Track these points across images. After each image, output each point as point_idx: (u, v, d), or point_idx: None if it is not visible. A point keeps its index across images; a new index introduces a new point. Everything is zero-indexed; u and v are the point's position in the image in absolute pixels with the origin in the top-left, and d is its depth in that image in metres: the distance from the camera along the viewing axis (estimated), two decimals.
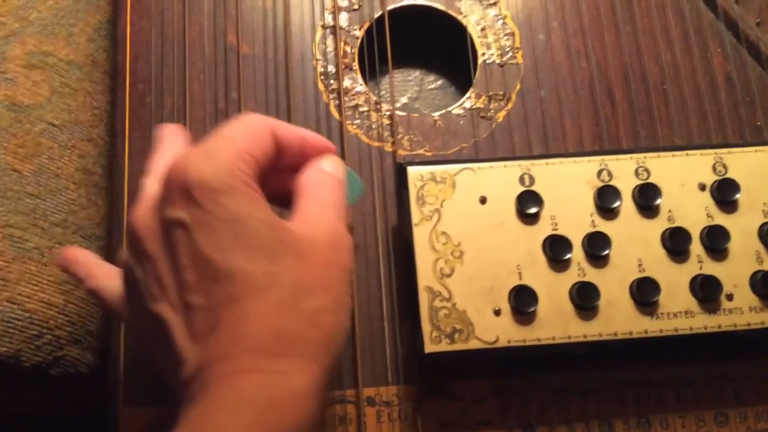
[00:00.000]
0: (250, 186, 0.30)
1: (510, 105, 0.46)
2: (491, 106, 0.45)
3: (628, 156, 0.41)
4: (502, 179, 0.40)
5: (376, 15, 0.47)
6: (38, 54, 0.49)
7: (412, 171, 0.40)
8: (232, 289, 0.27)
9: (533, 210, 0.39)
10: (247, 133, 0.31)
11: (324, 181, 0.33)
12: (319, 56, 0.46)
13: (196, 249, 0.28)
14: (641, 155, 0.41)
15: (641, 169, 0.41)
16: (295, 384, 0.27)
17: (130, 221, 0.31)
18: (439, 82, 0.51)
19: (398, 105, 0.50)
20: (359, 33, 0.47)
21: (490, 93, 0.46)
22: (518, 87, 0.46)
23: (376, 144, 0.44)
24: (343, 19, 0.47)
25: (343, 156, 0.44)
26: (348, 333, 0.33)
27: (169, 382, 0.30)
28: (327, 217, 0.31)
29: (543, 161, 0.41)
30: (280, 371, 0.27)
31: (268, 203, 0.30)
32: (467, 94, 0.46)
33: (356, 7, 0.47)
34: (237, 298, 0.27)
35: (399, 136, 0.45)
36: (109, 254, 0.45)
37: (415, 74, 0.51)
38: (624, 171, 0.41)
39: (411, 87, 0.50)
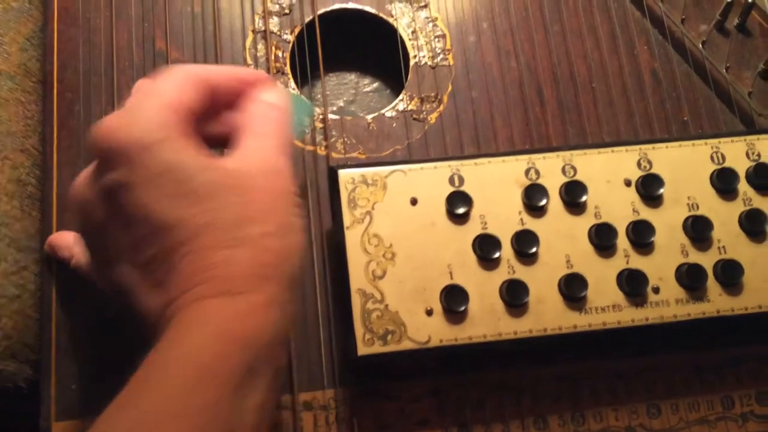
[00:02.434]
0: (181, 134, 0.30)
1: (442, 107, 0.46)
2: (424, 107, 0.46)
3: (555, 154, 0.42)
4: (432, 180, 0.40)
5: (307, 19, 0.47)
6: None
7: (343, 174, 0.40)
8: (178, 233, 0.29)
9: (462, 210, 0.40)
10: (172, 84, 0.32)
11: (264, 112, 0.34)
12: (250, 61, 0.46)
13: (138, 204, 0.29)
14: (568, 153, 0.42)
15: (568, 166, 0.41)
16: (253, 299, 0.29)
17: (69, 198, 0.32)
18: (375, 85, 0.51)
19: (334, 108, 0.50)
20: (290, 37, 0.47)
21: (423, 95, 0.46)
22: (450, 88, 0.46)
23: (310, 148, 0.44)
24: (274, 23, 0.47)
25: None
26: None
27: (148, 336, 0.30)
28: (264, 149, 0.32)
29: (472, 161, 0.41)
30: (237, 292, 0.28)
31: (203, 147, 0.31)
32: (400, 97, 0.46)
33: (287, 11, 0.47)
34: (183, 241, 0.29)
35: (332, 140, 0.45)
36: (45, 266, 0.44)
37: (351, 77, 0.51)
38: (551, 169, 0.41)
39: (347, 90, 0.51)
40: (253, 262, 0.29)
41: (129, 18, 0.45)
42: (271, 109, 0.34)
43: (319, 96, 0.48)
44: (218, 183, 0.30)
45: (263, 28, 0.46)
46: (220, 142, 0.34)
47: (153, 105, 0.30)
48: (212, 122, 0.34)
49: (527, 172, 0.41)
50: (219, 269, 0.29)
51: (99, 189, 0.30)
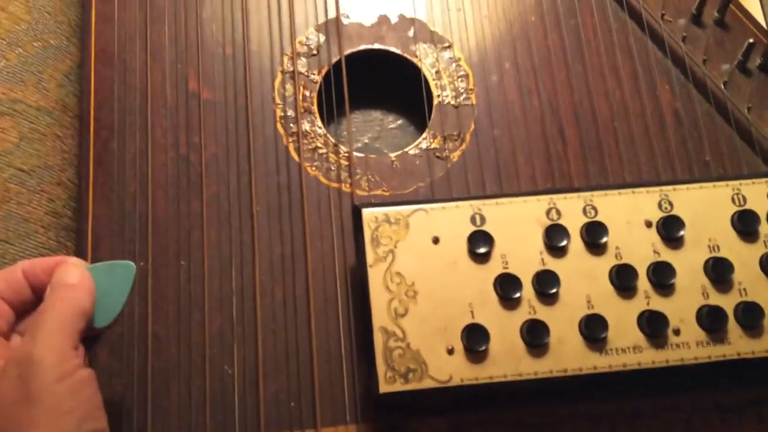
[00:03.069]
0: None
1: (464, 145, 0.47)
2: (446, 146, 0.47)
3: (576, 195, 0.42)
4: (454, 219, 0.41)
5: (334, 60, 0.48)
6: (7, 101, 0.50)
7: (367, 213, 0.41)
8: None
9: (484, 249, 0.40)
10: None
11: (51, 299, 0.34)
12: (279, 101, 0.47)
13: None
14: (588, 194, 0.42)
15: (589, 207, 0.42)
16: None
17: None
18: (399, 122, 0.52)
19: (359, 145, 0.51)
20: (318, 78, 0.48)
21: (446, 133, 0.47)
22: (472, 127, 0.47)
23: (335, 185, 0.46)
24: (302, 64, 0.48)
25: (301, 197, 0.45)
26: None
27: None
28: (29, 338, 0.32)
29: (493, 201, 0.42)
30: None
31: None
32: (423, 135, 0.47)
33: (315, 52, 0.48)
34: None
35: (357, 177, 0.46)
36: None
37: (376, 115, 0.52)
38: (572, 209, 0.42)
39: (372, 127, 0.52)
40: None
41: (163, 60, 0.47)
42: (59, 291, 0.34)
43: (344, 133, 0.49)
44: None
45: (291, 69, 0.48)
46: None
47: None
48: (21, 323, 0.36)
49: (548, 212, 0.42)
50: None
51: None
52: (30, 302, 0.36)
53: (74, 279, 0.35)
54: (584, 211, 0.42)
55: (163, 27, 0.48)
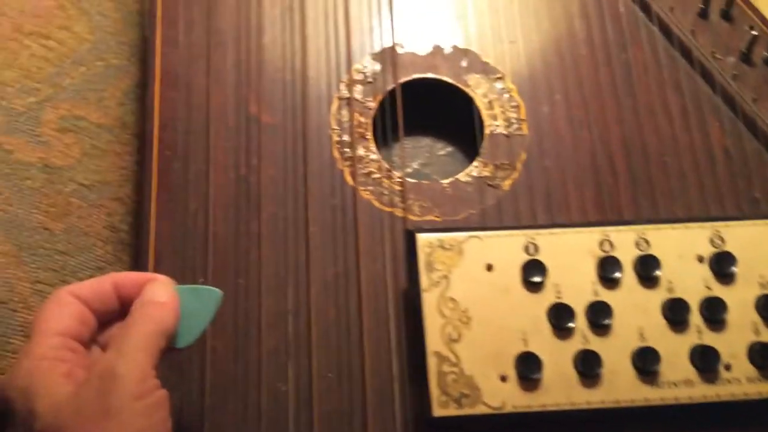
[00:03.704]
0: (41, 373, 0.33)
1: (516, 174, 0.48)
2: (498, 174, 0.48)
3: (628, 227, 0.43)
4: (507, 248, 0.42)
5: (389, 87, 0.50)
6: (71, 118, 0.52)
7: (421, 238, 0.42)
8: None
9: (538, 279, 0.41)
10: (48, 317, 0.35)
11: (138, 315, 0.35)
12: (335, 126, 0.49)
13: None
14: (641, 227, 0.43)
15: (641, 240, 0.43)
16: None
17: None
18: (449, 149, 0.53)
19: (409, 170, 0.52)
20: (373, 104, 0.49)
21: (497, 162, 0.48)
22: (523, 157, 0.48)
23: (388, 209, 0.47)
24: (358, 91, 0.49)
25: (355, 220, 0.46)
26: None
27: None
28: (114, 354, 0.33)
29: (547, 231, 0.43)
30: None
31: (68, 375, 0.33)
32: (474, 163, 0.48)
33: (370, 80, 0.50)
34: None
35: (409, 202, 0.47)
36: None
37: (426, 141, 0.53)
38: (625, 242, 0.42)
39: (422, 153, 0.53)
40: None
41: (225, 83, 0.49)
42: (146, 309, 0.35)
43: (395, 159, 0.50)
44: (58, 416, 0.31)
45: (348, 96, 0.49)
46: None
47: (26, 349, 0.34)
48: (106, 332, 0.37)
49: (601, 243, 0.42)
50: None
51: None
52: (115, 314, 0.37)
53: (163, 298, 0.36)
54: (637, 244, 0.43)
55: (226, 51, 0.50)
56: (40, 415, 0.32)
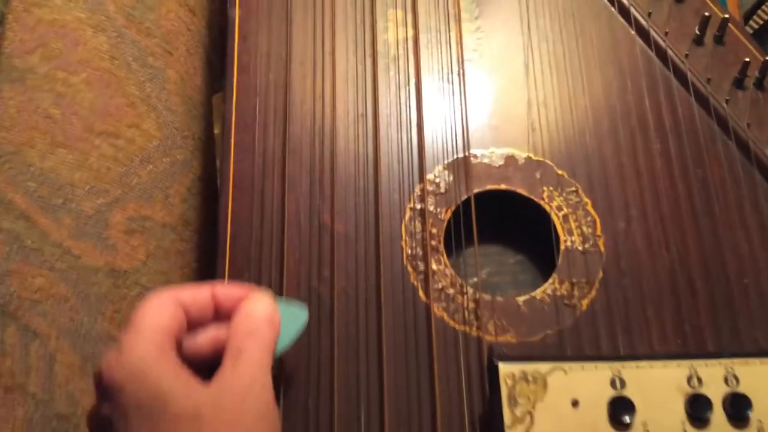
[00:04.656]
0: (163, 362, 0.34)
1: (593, 293, 0.47)
2: (575, 293, 0.47)
3: (717, 361, 0.42)
4: (593, 382, 0.41)
5: (462, 199, 0.49)
6: (138, 219, 0.52)
7: (504, 368, 0.41)
8: None
9: (627, 419, 0.40)
10: (153, 312, 0.36)
11: (246, 327, 0.37)
12: (407, 237, 0.48)
13: None
14: (729, 361, 0.42)
15: (730, 376, 0.41)
16: None
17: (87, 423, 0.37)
18: (518, 258, 0.52)
19: (474, 279, 0.51)
20: (445, 216, 0.49)
21: (573, 280, 0.47)
22: (600, 275, 0.47)
23: (461, 327, 0.46)
24: (431, 202, 0.49)
25: (428, 339, 0.45)
26: None
27: None
28: (241, 371, 0.35)
29: (633, 364, 0.41)
30: None
31: (183, 368, 0.34)
32: (550, 280, 0.47)
33: (443, 191, 0.49)
34: None
35: (484, 320, 0.46)
36: None
37: (494, 249, 0.53)
38: (713, 377, 0.41)
39: (490, 262, 0.52)
40: None
41: (299, 190, 0.48)
42: (253, 323, 0.37)
43: (469, 269, 0.49)
44: (196, 408, 0.33)
45: (420, 207, 0.49)
46: (209, 357, 0.38)
47: (135, 339, 0.35)
48: (198, 336, 0.38)
49: (689, 379, 0.41)
50: None
51: (99, 418, 0.35)
52: (207, 323, 0.38)
53: (274, 314, 0.37)
54: (726, 380, 0.41)
55: (299, 158, 0.49)
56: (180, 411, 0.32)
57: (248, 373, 0.35)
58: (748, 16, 0.74)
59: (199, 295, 0.38)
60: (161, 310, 0.36)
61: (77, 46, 0.53)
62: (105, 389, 0.34)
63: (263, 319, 0.37)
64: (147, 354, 0.34)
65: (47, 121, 0.49)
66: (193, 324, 0.38)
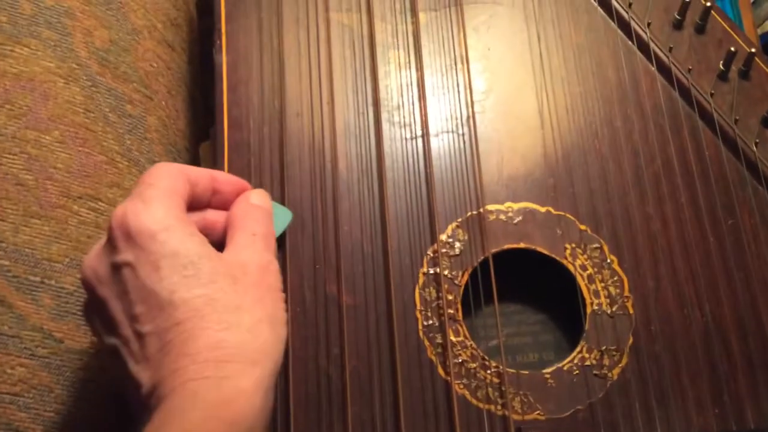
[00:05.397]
0: (183, 221, 0.35)
1: (624, 360, 0.43)
2: (604, 362, 0.43)
3: None
4: None
5: (479, 259, 0.45)
6: None
7: None
8: (176, 314, 0.32)
9: None
10: (168, 176, 0.36)
11: (251, 213, 0.38)
12: (421, 306, 0.44)
13: (141, 285, 0.33)
14: None
15: None
16: (241, 385, 0.31)
17: (81, 272, 0.36)
18: (538, 317, 0.49)
19: (495, 342, 0.48)
20: (462, 280, 0.45)
21: (602, 347, 0.44)
22: (631, 341, 0.44)
23: (485, 406, 0.42)
24: (445, 265, 0.45)
25: (450, 421, 0.42)
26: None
27: (134, 406, 0.34)
28: (255, 246, 0.36)
29: None
30: (226, 376, 0.31)
31: (200, 234, 0.35)
32: (578, 348, 0.44)
33: (458, 252, 0.45)
34: (180, 321, 0.32)
35: (509, 397, 0.42)
36: None
37: (513, 308, 0.49)
38: None
39: (509, 322, 0.49)
40: (244, 347, 0.32)
41: (301, 259, 0.44)
42: (258, 211, 0.39)
43: (485, 332, 0.46)
44: (218, 271, 0.33)
45: (433, 271, 0.45)
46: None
47: (157, 194, 0.35)
48: (194, 216, 0.38)
49: None
50: (211, 352, 0.31)
51: (108, 266, 0.34)
52: (202, 207, 0.39)
53: (268, 206, 0.39)
54: None
55: (300, 223, 0.45)
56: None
57: (261, 250, 0.36)
58: None
59: (202, 176, 0.38)
60: (176, 177, 0.36)
61: (47, 100, 0.48)
62: (131, 235, 0.34)
63: (266, 210, 0.39)
64: (172, 210, 0.34)
65: (18, 188, 0.45)
66: (192, 204, 0.38)
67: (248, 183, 0.41)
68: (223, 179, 0.40)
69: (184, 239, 0.34)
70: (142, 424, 0.31)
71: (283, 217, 0.42)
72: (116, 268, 0.34)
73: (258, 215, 0.38)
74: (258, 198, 0.39)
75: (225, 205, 0.39)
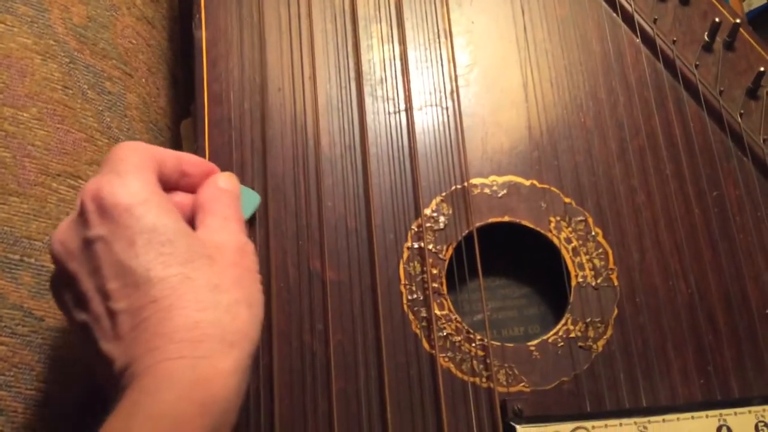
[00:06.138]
0: (160, 195, 0.34)
1: (609, 332, 0.43)
2: (589, 334, 0.43)
3: (746, 409, 0.39)
4: None
5: (462, 234, 0.45)
6: None
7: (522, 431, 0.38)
8: (152, 291, 0.31)
9: None
10: (138, 152, 0.35)
11: (221, 197, 0.38)
12: (406, 281, 0.44)
13: (116, 260, 0.32)
14: (760, 408, 0.39)
15: (761, 424, 0.39)
16: (219, 366, 0.30)
17: (51, 246, 0.35)
18: (523, 291, 0.49)
19: (480, 316, 0.48)
20: (446, 254, 0.45)
21: (587, 320, 0.44)
22: (615, 312, 0.44)
23: (470, 379, 0.42)
24: (429, 239, 0.45)
25: (435, 394, 0.41)
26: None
27: (104, 384, 0.33)
28: (229, 229, 0.36)
29: (660, 417, 0.38)
30: (203, 356, 0.30)
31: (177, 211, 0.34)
32: (562, 321, 0.44)
33: (442, 226, 0.45)
34: (156, 299, 0.31)
35: (494, 370, 0.42)
36: None
37: (498, 282, 0.49)
38: (744, 427, 0.38)
39: (494, 296, 0.48)
40: (222, 328, 0.31)
41: (285, 235, 0.44)
42: (227, 195, 0.38)
43: (470, 307, 0.45)
44: (195, 250, 0.33)
45: (417, 245, 0.45)
46: None
47: (131, 168, 0.34)
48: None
49: (719, 429, 0.38)
50: (188, 332, 0.30)
51: (80, 240, 0.33)
52: (168, 188, 0.37)
53: (236, 190, 0.38)
54: (756, 428, 0.38)
55: (283, 199, 0.45)
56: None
57: (236, 232, 0.36)
58: None
59: (170, 157, 0.37)
60: (145, 153, 0.35)
61: (24, 77, 0.47)
62: (105, 209, 0.33)
63: (234, 193, 0.38)
64: (148, 185, 0.34)
65: None
66: (161, 185, 0.37)
67: (216, 166, 0.40)
68: (191, 161, 0.39)
69: (161, 214, 0.33)
70: (112, 402, 0.30)
71: (251, 201, 0.41)
72: (88, 243, 0.33)
73: (227, 199, 0.38)
74: (225, 182, 0.39)
75: (192, 188, 0.39)
